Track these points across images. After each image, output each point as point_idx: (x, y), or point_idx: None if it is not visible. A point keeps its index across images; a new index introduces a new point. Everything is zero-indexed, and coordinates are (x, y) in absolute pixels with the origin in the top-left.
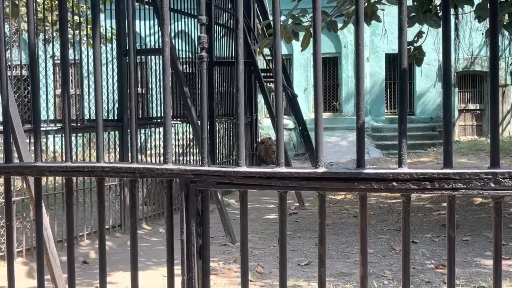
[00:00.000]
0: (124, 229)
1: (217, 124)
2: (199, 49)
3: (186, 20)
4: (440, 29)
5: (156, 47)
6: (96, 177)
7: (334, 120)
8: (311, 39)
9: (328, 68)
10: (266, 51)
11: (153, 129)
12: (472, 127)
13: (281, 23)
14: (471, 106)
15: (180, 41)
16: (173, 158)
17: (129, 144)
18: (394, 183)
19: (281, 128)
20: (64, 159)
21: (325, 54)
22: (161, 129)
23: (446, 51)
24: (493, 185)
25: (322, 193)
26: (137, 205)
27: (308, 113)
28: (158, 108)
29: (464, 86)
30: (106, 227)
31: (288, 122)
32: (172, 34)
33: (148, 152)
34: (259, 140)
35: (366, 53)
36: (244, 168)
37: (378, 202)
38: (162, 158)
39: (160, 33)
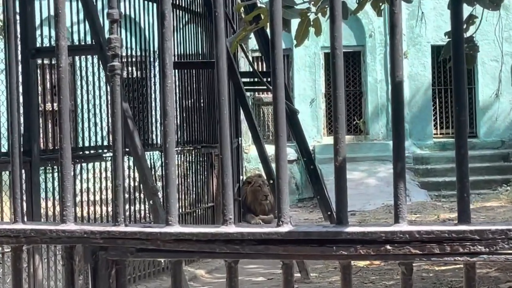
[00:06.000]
0: None
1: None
2: (110, 56)
3: (130, 0)
4: (502, 11)
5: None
6: None
7: (357, 146)
8: (311, 29)
9: (346, 69)
10: (253, 45)
11: (84, 165)
12: None
13: (264, 6)
14: None
15: (123, 31)
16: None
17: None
18: (388, 247)
19: (229, 170)
20: None
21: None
22: (92, 164)
23: None
24: None
25: (287, 262)
26: (22, 282)
27: (317, 137)
28: (91, 134)
29: None
30: None
31: (288, 150)
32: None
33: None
34: (244, 178)
35: (403, 45)
36: (176, 228)
37: (421, 271)
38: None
39: (87, 22)
